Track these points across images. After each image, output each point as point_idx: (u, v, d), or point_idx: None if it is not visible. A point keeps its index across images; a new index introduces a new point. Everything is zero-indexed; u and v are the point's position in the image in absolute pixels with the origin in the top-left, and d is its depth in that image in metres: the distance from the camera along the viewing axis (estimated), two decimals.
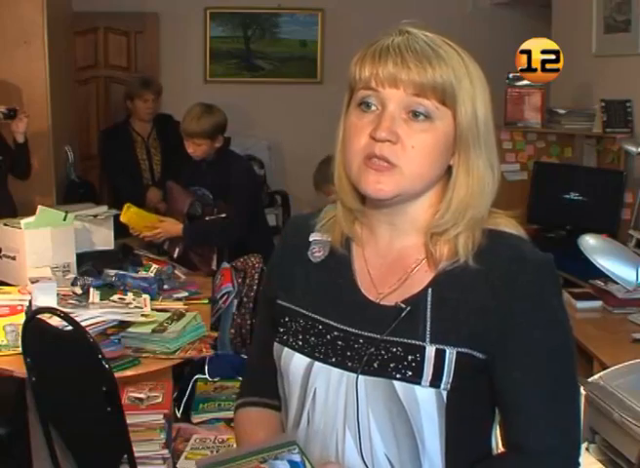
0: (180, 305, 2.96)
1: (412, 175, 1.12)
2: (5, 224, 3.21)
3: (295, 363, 1.21)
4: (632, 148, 3.72)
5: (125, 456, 2.23)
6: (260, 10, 6.11)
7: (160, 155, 4.85)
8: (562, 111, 4.42)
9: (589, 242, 2.96)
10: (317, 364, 1.19)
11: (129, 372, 2.46)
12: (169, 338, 2.56)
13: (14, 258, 3.14)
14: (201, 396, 3.14)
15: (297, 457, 1.11)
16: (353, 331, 1.17)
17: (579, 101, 4.52)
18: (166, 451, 2.51)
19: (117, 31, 6.09)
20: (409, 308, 1.14)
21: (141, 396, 2.56)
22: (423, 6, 5.46)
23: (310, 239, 1.26)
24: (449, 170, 1.16)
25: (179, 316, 2.73)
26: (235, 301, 3.57)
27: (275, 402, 1.31)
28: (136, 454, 2.25)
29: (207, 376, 3.24)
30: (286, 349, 1.22)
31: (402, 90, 1.10)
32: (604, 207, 3.91)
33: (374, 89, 1.12)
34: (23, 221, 3.16)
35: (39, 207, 3.24)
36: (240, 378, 3.22)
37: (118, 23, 6.05)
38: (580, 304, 3.00)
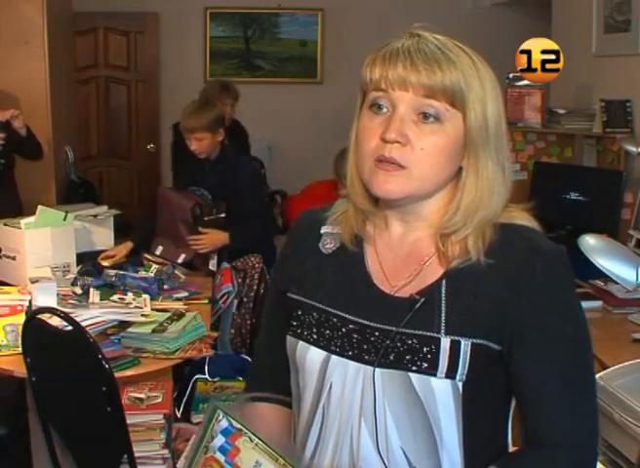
0: (180, 305, 2.96)
1: (421, 177, 1.13)
2: (5, 224, 3.21)
3: (310, 356, 1.20)
4: (632, 148, 3.72)
5: (125, 456, 2.23)
6: (260, 10, 6.12)
7: None
8: (562, 111, 4.42)
9: (589, 242, 2.95)
10: (334, 357, 1.18)
11: (129, 372, 2.45)
12: (169, 338, 2.56)
13: (14, 258, 3.14)
14: (201, 396, 3.14)
15: (225, 423, 1.11)
16: (369, 323, 1.17)
17: (579, 101, 4.52)
18: (166, 451, 2.51)
19: (117, 31, 6.10)
20: (423, 299, 1.14)
21: (141, 396, 2.55)
22: (423, 6, 5.46)
23: (322, 231, 1.27)
24: (460, 170, 1.16)
25: (179, 316, 2.72)
26: (235, 301, 3.57)
27: (283, 396, 1.30)
28: (136, 454, 2.25)
29: (207, 376, 3.25)
30: (300, 342, 1.22)
31: (411, 92, 1.11)
32: (604, 207, 3.90)
33: (384, 90, 1.12)
34: (23, 221, 3.16)
35: (39, 207, 3.24)
36: (240, 378, 3.23)
37: (118, 23, 6.06)
38: None
